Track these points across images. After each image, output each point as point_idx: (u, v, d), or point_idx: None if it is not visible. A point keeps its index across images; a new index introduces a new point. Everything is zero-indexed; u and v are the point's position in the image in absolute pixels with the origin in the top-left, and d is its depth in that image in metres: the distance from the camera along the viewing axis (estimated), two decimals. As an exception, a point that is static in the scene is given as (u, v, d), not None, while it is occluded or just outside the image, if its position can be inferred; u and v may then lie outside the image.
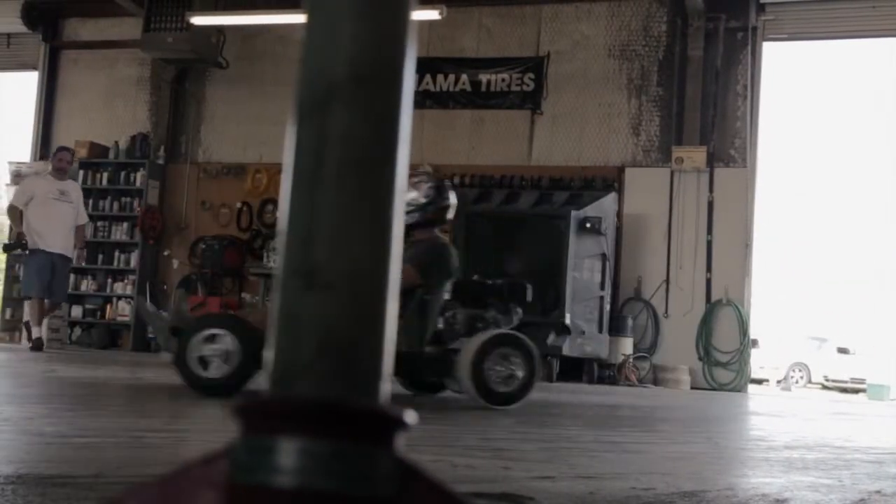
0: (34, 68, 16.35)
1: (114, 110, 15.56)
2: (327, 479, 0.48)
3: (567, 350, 11.40)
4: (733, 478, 2.80)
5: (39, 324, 10.68)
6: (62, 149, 11.43)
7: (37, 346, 10.43)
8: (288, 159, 0.52)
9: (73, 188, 11.13)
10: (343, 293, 0.50)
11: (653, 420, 5.78)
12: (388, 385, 0.52)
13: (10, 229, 12.65)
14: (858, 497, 2.36)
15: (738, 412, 7.99)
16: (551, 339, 11.34)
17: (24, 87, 16.83)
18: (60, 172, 10.88)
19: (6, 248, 12.52)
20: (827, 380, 24.18)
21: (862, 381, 20.45)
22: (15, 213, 10.75)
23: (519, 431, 3.90)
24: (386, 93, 0.51)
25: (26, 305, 11.77)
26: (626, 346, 12.42)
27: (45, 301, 10.76)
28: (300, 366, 0.50)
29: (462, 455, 2.73)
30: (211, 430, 3.22)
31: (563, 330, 11.38)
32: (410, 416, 0.51)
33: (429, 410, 4.77)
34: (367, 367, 0.51)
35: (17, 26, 16.06)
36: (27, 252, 10.84)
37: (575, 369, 11.82)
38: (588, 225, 11.72)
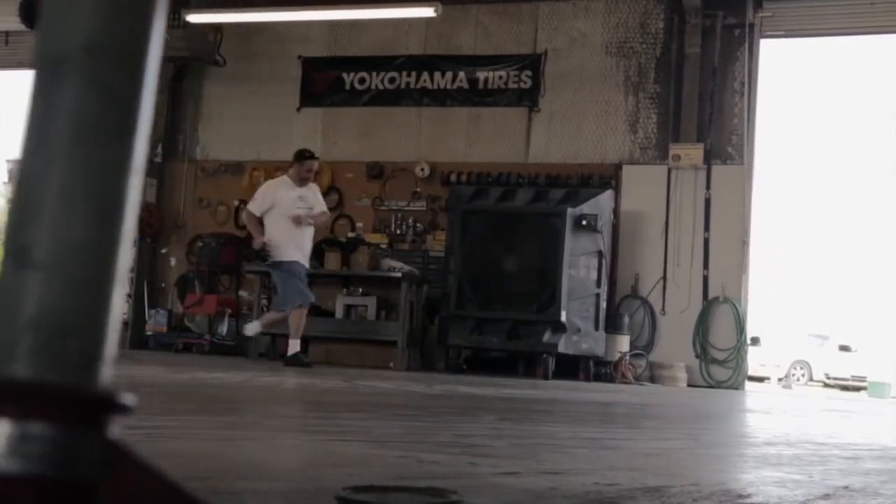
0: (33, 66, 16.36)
1: (112, 108, 15.58)
2: (26, 462, 0.47)
3: (563, 348, 11.37)
4: (702, 473, 2.78)
5: (299, 336, 10.00)
6: (311, 157, 10.23)
7: (296, 361, 9.65)
8: (21, 131, 0.51)
9: (310, 191, 10.23)
10: (59, 272, 0.48)
11: (640, 417, 5.76)
12: (109, 367, 0.50)
13: (245, 229, 11.74)
14: (823, 492, 2.34)
15: (731, 409, 7.97)
16: (547, 336, 11.33)
17: (22, 85, 16.84)
18: (305, 182, 10.09)
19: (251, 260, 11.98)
20: (828, 377, 24.18)
21: (863, 379, 20.44)
22: (252, 219, 10.11)
23: (497, 428, 3.89)
24: (122, 67, 0.50)
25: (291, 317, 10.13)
26: (623, 343, 12.39)
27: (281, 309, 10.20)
28: (9, 346, 0.49)
29: (431, 451, 2.72)
30: (186, 427, 3.22)
31: (559, 327, 11.36)
32: (127, 399, 0.50)
33: (411, 408, 4.76)
34: (84, 349, 0.49)
35: (15, 24, 16.05)
36: (268, 262, 10.28)
37: (571, 367, 11.80)
38: (584, 222, 11.69)
